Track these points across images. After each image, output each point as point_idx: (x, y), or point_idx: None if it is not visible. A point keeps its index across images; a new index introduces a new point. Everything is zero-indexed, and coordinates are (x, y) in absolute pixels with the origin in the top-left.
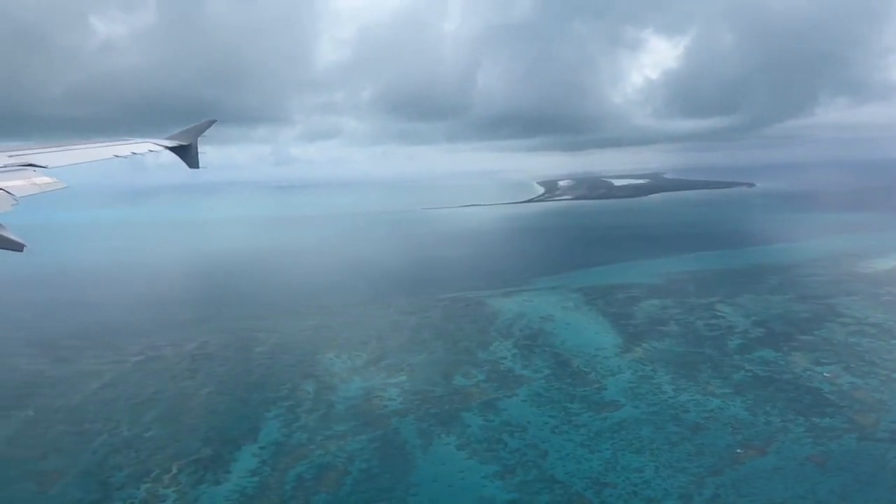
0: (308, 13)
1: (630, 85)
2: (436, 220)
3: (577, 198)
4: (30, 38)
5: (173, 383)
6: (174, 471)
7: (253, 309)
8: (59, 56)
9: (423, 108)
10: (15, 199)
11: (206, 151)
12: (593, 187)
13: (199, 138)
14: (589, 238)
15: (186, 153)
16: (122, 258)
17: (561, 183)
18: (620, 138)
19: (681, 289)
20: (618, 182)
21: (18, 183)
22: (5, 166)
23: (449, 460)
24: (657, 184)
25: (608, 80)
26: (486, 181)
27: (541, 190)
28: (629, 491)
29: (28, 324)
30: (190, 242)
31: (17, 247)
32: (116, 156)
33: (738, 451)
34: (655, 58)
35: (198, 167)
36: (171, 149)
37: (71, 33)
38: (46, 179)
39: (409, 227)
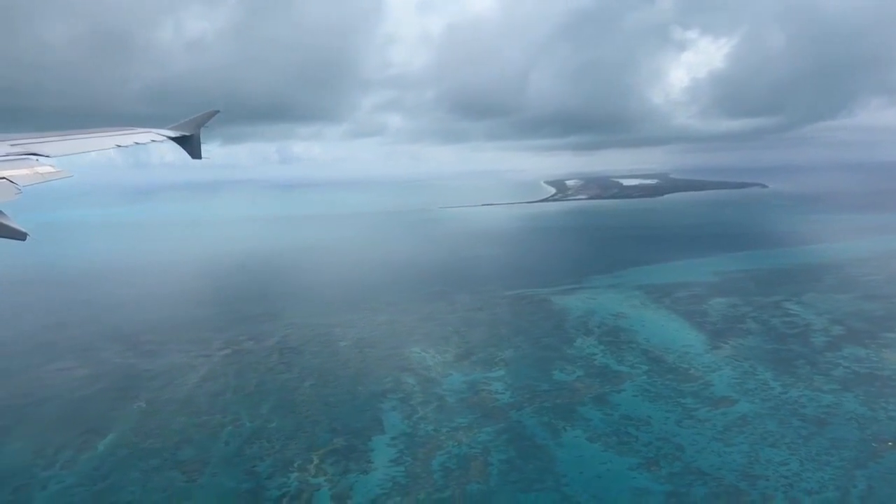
0: (383, 12)
1: (672, 85)
2: (458, 218)
3: (591, 197)
4: (109, 35)
5: (272, 376)
6: (316, 461)
7: (318, 305)
8: (137, 53)
9: (479, 107)
10: (18, 189)
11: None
12: (605, 187)
13: (204, 130)
14: (624, 237)
15: (189, 143)
16: (156, 256)
17: (569, 182)
18: (629, 139)
19: (740, 287)
20: (626, 182)
21: (21, 172)
22: (7, 155)
23: (586, 452)
24: (667, 184)
25: (651, 80)
26: (493, 181)
27: (552, 190)
28: (783, 483)
29: (98, 320)
30: (219, 240)
31: (19, 236)
32: (119, 145)
33: (874, 444)
34: (701, 58)
35: (200, 157)
36: (174, 139)
37: (150, 31)
38: (49, 168)
39: (435, 225)
